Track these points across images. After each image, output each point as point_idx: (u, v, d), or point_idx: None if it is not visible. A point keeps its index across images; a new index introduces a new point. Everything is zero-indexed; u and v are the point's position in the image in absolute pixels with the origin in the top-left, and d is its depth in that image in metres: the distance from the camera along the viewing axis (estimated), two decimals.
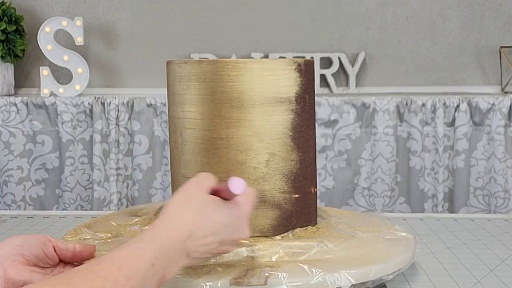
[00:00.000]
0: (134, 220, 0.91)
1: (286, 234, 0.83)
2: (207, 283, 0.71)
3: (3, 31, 2.36)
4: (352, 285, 0.73)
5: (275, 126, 0.82)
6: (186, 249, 0.64)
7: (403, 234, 0.87)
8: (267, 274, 0.73)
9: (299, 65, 0.84)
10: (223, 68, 0.81)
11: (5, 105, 2.30)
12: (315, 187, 0.87)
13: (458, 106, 2.23)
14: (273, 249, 0.79)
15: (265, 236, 0.83)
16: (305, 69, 0.84)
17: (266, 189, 0.83)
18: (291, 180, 0.84)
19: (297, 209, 0.85)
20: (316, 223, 0.88)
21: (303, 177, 0.85)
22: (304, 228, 0.85)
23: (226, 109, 0.81)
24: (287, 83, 0.83)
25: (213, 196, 0.68)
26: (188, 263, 0.66)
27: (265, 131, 0.82)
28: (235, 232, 0.68)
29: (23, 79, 2.60)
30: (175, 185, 0.88)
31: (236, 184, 0.66)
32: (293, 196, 0.84)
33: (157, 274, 0.60)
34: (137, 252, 0.60)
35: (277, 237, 0.83)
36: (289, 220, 0.84)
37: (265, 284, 0.72)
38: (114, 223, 0.90)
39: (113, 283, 0.56)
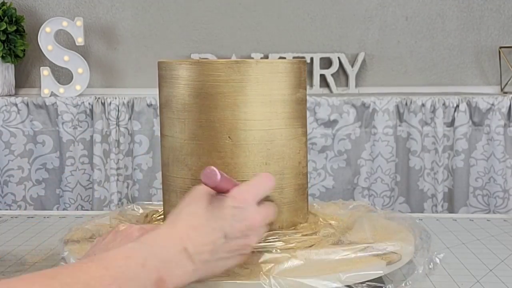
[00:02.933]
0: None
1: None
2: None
3: (4, 31, 2.36)
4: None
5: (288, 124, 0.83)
6: (187, 251, 0.62)
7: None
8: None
9: (305, 64, 0.85)
10: (224, 69, 0.80)
11: (5, 105, 2.30)
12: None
13: (457, 106, 2.24)
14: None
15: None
16: (304, 69, 0.86)
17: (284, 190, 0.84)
18: (300, 178, 0.86)
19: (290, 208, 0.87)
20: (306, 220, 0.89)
21: (303, 175, 0.87)
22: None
23: (229, 110, 0.80)
24: (295, 82, 0.84)
25: (213, 194, 0.67)
26: (199, 270, 0.62)
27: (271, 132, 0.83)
28: (240, 222, 0.65)
29: (24, 79, 2.61)
30: (165, 188, 0.87)
31: (205, 174, 0.64)
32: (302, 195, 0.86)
33: (151, 275, 0.58)
34: (126, 252, 0.58)
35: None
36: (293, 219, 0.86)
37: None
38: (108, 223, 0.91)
39: (99, 281, 0.54)
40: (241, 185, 0.69)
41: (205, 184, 0.65)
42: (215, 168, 0.64)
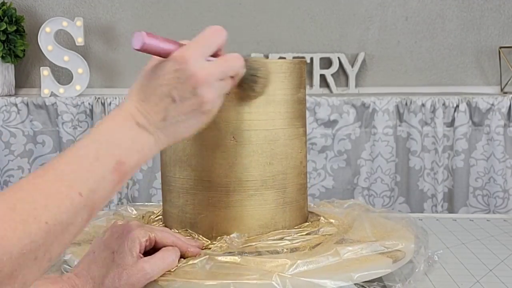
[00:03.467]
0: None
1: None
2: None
3: (4, 31, 2.36)
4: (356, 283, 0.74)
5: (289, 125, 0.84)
6: (137, 124, 0.62)
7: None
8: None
9: (306, 65, 0.85)
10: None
11: (5, 105, 2.30)
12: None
13: (457, 106, 2.24)
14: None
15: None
16: (304, 69, 0.87)
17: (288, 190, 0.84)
18: (301, 177, 0.86)
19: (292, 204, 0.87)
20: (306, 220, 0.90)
21: (304, 174, 0.87)
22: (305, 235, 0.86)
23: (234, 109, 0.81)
24: (296, 82, 0.84)
25: (156, 65, 0.66)
26: (160, 138, 0.63)
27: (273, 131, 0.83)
28: (185, 82, 0.63)
29: (24, 80, 2.61)
30: (165, 186, 0.87)
31: (133, 39, 0.63)
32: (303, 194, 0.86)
33: (107, 165, 0.58)
34: (77, 153, 0.58)
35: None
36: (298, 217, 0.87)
37: None
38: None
39: (55, 196, 0.54)
40: (185, 45, 0.67)
41: (136, 49, 0.63)
42: (142, 31, 0.63)
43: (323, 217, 0.90)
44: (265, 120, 0.81)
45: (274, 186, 0.82)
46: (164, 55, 0.66)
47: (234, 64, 0.69)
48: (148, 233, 0.72)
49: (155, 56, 0.67)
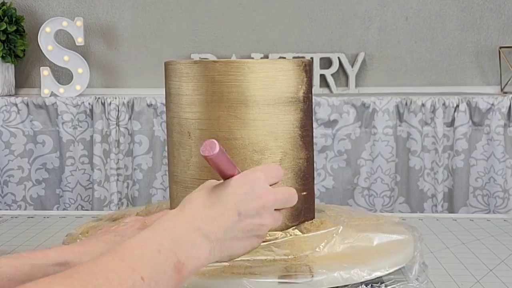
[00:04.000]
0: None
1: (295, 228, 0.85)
2: (257, 279, 0.71)
3: (4, 31, 2.36)
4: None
5: (287, 125, 0.84)
6: (200, 230, 0.60)
7: (401, 236, 0.88)
8: (309, 269, 0.73)
9: (305, 65, 0.86)
10: (236, 69, 0.81)
11: (5, 105, 2.30)
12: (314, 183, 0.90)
13: (457, 106, 2.24)
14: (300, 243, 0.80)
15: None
16: (309, 69, 0.87)
17: None
18: (300, 178, 0.86)
19: (305, 206, 0.86)
20: (314, 217, 0.90)
21: (309, 174, 0.87)
22: (310, 222, 0.87)
23: (241, 109, 0.81)
24: (297, 82, 0.85)
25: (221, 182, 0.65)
26: (215, 250, 0.61)
27: (278, 130, 0.83)
28: (253, 200, 0.63)
29: (24, 79, 2.61)
30: (180, 186, 0.87)
31: (204, 147, 0.62)
32: (302, 193, 0.85)
33: (169, 260, 0.56)
34: (139, 242, 0.57)
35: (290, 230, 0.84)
36: (298, 217, 0.86)
37: (312, 277, 0.71)
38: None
39: (117, 273, 0.52)
40: (250, 168, 0.67)
41: (203, 156, 0.62)
42: (214, 140, 0.62)
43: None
44: (267, 120, 0.82)
45: None
46: (224, 172, 0.65)
47: (292, 198, 0.69)
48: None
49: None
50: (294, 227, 0.84)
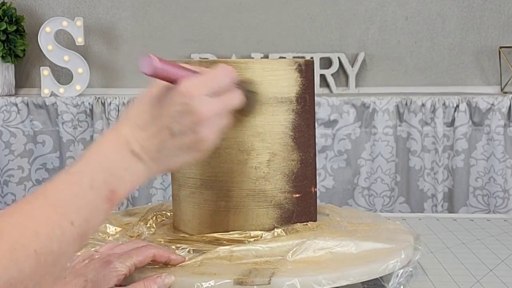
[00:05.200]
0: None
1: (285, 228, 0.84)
2: (209, 282, 0.70)
3: (4, 31, 2.36)
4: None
5: (276, 126, 0.83)
6: (132, 152, 0.60)
7: (388, 245, 0.87)
8: (271, 273, 0.72)
9: (299, 65, 0.84)
10: None
11: (5, 105, 2.30)
12: (315, 186, 0.88)
13: (457, 106, 2.24)
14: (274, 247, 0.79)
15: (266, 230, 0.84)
16: (305, 69, 0.85)
17: (267, 188, 0.83)
18: (292, 180, 0.85)
19: (298, 209, 0.86)
20: (315, 220, 0.89)
21: (304, 176, 0.86)
22: (304, 224, 0.86)
23: None
24: (287, 83, 0.83)
25: (162, 91, 0.64)
26: (151, 168, 0.62)
27: (266, 131, 0.82)
28: (186, 117, 0.63)
29: (24, 79, 2.61)
30: (176, 184, 0.88)
31: (142, 64, 0.61)
32: (294, 195, 0.85)
33: (101, 194, 0.57)
34: (72, 178, 0.56)
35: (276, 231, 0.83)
36: (289, 219, 0.85)
37: (269, 283, 0.70)
38: (110, 226, 0.91)
39: (46, 224, 0.52)
40: (192, 78, 0.65)
41: (143, 73, 0.62)
42: (152, 55, 0.61)
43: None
44: (268, 120, 0.82)
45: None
46: (175, 81, 0.64)
47: (234, 98, 0.69)
48: (127, 266, 0.69)
49: (159, 81, 0.65)
50: (282, 228, 0.83)
